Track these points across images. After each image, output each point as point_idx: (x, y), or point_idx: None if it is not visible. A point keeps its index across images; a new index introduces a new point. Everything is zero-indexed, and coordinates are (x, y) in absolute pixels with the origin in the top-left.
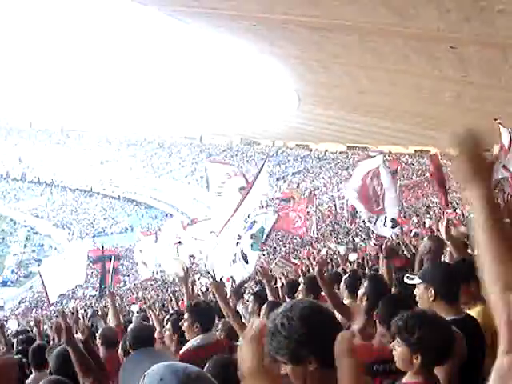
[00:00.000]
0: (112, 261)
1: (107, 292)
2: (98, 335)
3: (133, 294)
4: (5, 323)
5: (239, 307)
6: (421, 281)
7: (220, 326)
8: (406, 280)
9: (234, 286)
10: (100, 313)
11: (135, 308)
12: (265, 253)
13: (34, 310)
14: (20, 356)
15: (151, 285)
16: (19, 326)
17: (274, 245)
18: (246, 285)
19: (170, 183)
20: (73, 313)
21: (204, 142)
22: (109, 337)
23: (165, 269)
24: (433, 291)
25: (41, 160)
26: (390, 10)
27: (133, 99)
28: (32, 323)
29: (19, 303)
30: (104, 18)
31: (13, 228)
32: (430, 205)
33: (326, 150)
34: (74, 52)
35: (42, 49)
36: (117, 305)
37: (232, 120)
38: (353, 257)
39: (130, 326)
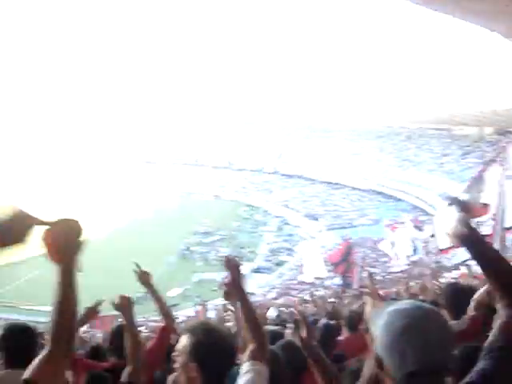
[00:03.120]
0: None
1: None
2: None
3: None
4: None
5: None
6: None
7: None
8: None
9: None
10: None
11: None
12: None
13: (284, 296)
14: None
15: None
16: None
17: None
18: None
19: (419, 176)
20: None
21: (454, 133)
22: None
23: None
24: None
25: (292, 154)
26: None
27: (380, 88)
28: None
29: (270, 290)
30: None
31: (266, 218)
32: None
33: None
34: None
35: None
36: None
37: (484, 109)
38: None
39: None
